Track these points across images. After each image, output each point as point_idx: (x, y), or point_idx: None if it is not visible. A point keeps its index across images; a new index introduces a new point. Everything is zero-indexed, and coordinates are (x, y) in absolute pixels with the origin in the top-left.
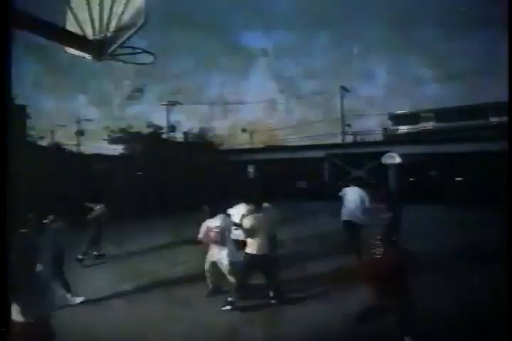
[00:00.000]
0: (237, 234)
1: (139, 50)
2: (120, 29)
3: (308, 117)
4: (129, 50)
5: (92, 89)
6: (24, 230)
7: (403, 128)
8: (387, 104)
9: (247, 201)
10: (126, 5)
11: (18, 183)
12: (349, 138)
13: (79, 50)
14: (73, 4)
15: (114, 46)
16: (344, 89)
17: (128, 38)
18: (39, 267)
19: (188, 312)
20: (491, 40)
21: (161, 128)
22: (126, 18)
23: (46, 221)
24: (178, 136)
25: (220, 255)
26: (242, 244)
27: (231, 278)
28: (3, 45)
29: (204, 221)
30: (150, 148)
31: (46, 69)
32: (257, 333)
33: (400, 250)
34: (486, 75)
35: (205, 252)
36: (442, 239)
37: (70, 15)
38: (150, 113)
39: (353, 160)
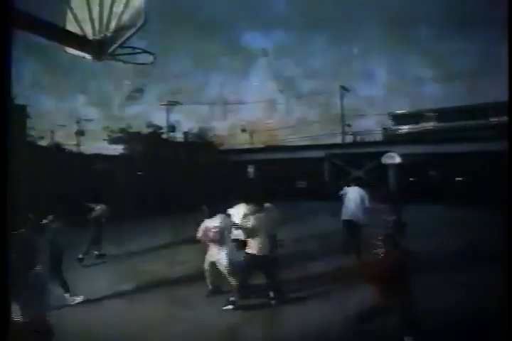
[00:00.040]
0: (237, 233)
1: (139, 50)
2: (120, 29)
3: (308, 117)
4: (129, 50)
5: (92, 89)
6: (23, 230)
7: (404, 128)
8: (387, 104)
9: (247, 201)
10: (126, 5)
11: (18, 183)
12: (349, 138)
13: (79, 50)
14: (73, 4)
15: (114, 46)
16: (344, 88)
17: (128, 38)
18: (37, 267)
19: (187, 312)
20: (491, 40)
21: (160, 128)
22: (126, 18)
23: (45, 221)
24: (178, 136)
25: (219, 255)
26: (243, 244)
27: (230, 279)
28: (3, 45)
29: (203, 221)
30: (150, 148)
31: (46, 69)
32: (257, 333)
33: (402, 251)
34: (486, 75)
35: (205, 252)
36: (442, 239)
37: (70, 15)
38: (150, 113)
39: (353, 160)
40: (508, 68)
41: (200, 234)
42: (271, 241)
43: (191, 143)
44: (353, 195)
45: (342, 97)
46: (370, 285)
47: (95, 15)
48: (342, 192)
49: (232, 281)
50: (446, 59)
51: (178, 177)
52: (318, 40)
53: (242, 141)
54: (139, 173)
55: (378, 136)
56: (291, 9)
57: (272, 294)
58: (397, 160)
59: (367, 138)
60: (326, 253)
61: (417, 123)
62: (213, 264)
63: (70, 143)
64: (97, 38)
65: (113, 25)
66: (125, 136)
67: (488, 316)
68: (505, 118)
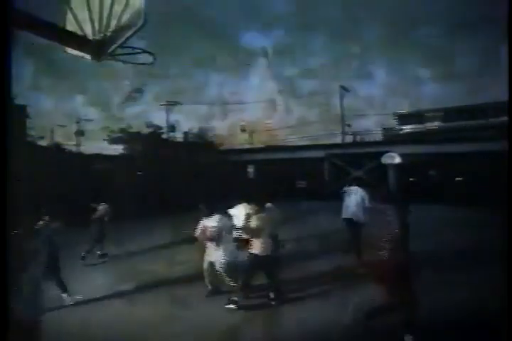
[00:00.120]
0: (239, 232)
1: (139, 50)
2: (120, 29)
3: (308, 117)
4: (129, 50)
5: (92, 89)
6: (19, 230)
7: (407, 128)
8: (386, 104)
9: (248, 201)
10: (125, 5)
11: (18, 183)
12: (349, 138)
13: (79, 50)
14: (73, 4)
15: (114, 46)
16: (344, 88)
17: (128, 38)
18: (31, 267)
19: (187, 312)
20: (491, 40)
21: (160, 128)
22: (125, 18)
23: (41, 221)
24: (178, 136)
25: (216, 255)
26: (245, 243)
27: (226, 279)
28: (3, 45)
29: (201, 219)
30: (150, 148)
31: (46, 69)
32: (257, 333)
33: (407, 253)
34: (486, 75)
35: (205, 252)
36: (442, 239)
37: (70, 15)
38: (149, 113)
39: (353, 160)
40: (508, 68)
41: (198, 232)
42: (273, 241)
43: (191, 143)
44: (353, 195)
45: (342, 97)
46: (375, 284)
47: (95, 15)
48: (343, 190)
49: (228, 281)
50: (446, 59)
51: (178, 177)
52: (318, 40)
53: (242, 140)
54: (139, 173)
55: (378, 136)
56: (291, 9)
57: (272, 294)
58: (397, 160)
59: (367, 138)
60: (326, 253)
61: (421, 123)
62: (212, 264)
63: (69, 143)
64: (97, 38)
65: (113, 25)
66: (125, 136)
67: (488, 316)
68: (505, 119)
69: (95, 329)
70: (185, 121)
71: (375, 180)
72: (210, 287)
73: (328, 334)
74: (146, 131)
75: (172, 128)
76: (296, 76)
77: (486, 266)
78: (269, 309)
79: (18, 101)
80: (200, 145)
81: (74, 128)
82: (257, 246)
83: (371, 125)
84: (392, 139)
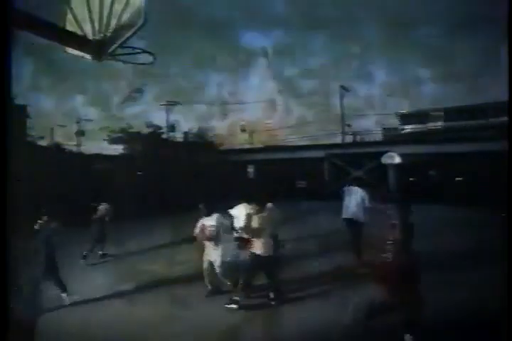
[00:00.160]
0: (240, 232)
1: (139, 50)
2: (120, 29)
3: (308, 117)
4: (129, 50)
5: (92, 89)
6: (18, 231)
7: (409, 128)
8: (386, 104)
9: (249, 201)
10: (126, 5)
11: (18, 183)
12: (349, 138)
13: (79, 50)
14: (73, 4)
15: (114, 46)
16: (344, 88)
17: (128, 38)
18: (31, 267)
19: (187, 312)
20: (491, 40)
21: (160, 128)
22: (126, 17)
23: (40, 221)
24: (178, 136)
25: (214, 254)
26: (245, 243)
27: (222, 278)
28: (3, 45)
29: (200, 219)
30: (150, 148)
31: (46, 69)
32: (257, 333)
33: (411, 255)
34: (486, 75)
35: (204, 252)
36: (442, 239)
37: (69, 15)
38: (149, 113)
39: (353, 160)
40: (508, 68)
41: (197, 231)
42: (274, 241)
43: (191, 143)
44: (353, 195)
45: (342, 97)
46: (378, 285)
47: (95, 15)
48: (342, 190)
49: (225, 281)
50: (446, 59)
51: (178, 177)
52: (317, 40)
53: (241, 140)
54: (139, 173)
55: (378, 136)
56: (291, 9)
57: (272, 294)
58: (397, 160)
59: (367, 138)
60: (326, 253)
61: (423, 122)
62: (211, 264)
63: (70, 143)
64: (97, 37)
65: (113, 24)
66: (125, 136)
67: (488, 316)
68: (505, 119)
69: (95, 329)
70: (185, 121)
71: (375, 180)
72: (210, 287)
73: (328, 334)
74: (146, 131)
75: (172, 128)
76: (296, 76)
77: (486, 266)
78: (269, 309)
79: (18, 101)
80: (200, 145)
81: (74, 128)
82: (258, 246)
83: (371, 125)
84: (395, 139)
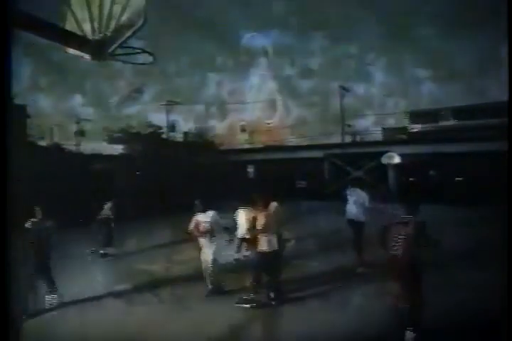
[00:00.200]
0: (242, 232)
1: (139, 50)
2: (120, 29)
3: (308, 117)
4: (129, 50)
5: (92, 89)
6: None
7: (418, 127)
8: (385, 104)
9: (251, 201)
10: (125, 5)
11: (18, 183)
12: (349, 138)
13: (79, 50)
14: (73, 4)
15: (114, 46)
16: (344, 88)
17: (128, 38)
18: (25, 266)
19: (187, 312)
20: (491, 40)
21: (160, 128)
22: (125, 18)
23: (33, 220)
24: (178, 136)
25: (208, 253)
26: (250, 242)
27: (212, 277)
28: (3, 45)
29: (195, 215)
30: (150, 148)
31: (46, 69)
32: (257, 333)
33: (417, 252)
34: (486, 75)
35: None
36: (442, 239)
37: (69, 15)
38: (149, 113)
39: (353, 160)
40: (508, 68)
41: (191, 226)
42: (278, 239)
43: (191, 143)
44: (355, 197)
45: (342, 97)
46: (389, 280)
47: (95, 15)
48: (346, 192)
49: (214, 280)
50: (446, 59)
51: (178, 177)
52: (317, 40)
53: (241, 140)
54: (139, 173)
55: (378, 136)
56: (291, 10)
57: (272, 294)
58: (397, 160)
59: (367, 138)
60: (326, 253)
61: (436, 121)
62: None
63: (69, 143)
64: (97, 37)
65: (113, 24)
66: (125, 136)
67: (488, 316)
68: (505, 119)
69: (93, 329)
70: (185, 121)
71: (375, 180)
72: (210, 286)
73: (328, 334)
74: (146, 131)
75: (172, 128)
76: (295, 76)
77: (486, 266)
78: (269, 309)
79: (18, 101)
80: (200, 145)
81: (74, 128)
82: (263, 243)
83: (370, 125)
84: (392, 139)
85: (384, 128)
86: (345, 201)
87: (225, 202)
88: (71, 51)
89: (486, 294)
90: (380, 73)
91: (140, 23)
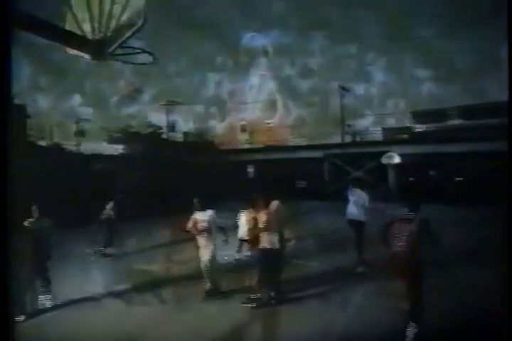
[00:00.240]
0: (243, 234)
1: (139, 50)
2: (120, 29)
3: (308, 117)
4: (129, 50)
5: (91, 89)
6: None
7: (423, 127)
8: (385, 104)
9: (253, 200)
10: (125, 5)
11: (18, 183)
12: (348, 138)
13: (78, 50)
14: (73, 4)
15: (114, 46)
16: (344, 88)
17: (127, 38)
18: (22, 266)
19: (186, 312)
20: (491, 40)
21: (160, 128)
22: (125, 17)
23: (31, 219)
24: (178, 136)
25: (205, 253)
26: (252, 241)
27: (209, 277)
28: (3, 45)
29: (194, 213)
30: (150, 148)
31: (45, 69)
32: (257, 333)
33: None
34: (486, 75)
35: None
36: (442, 239)
37: (69, 15)
38: (149, 113)
39: (353, 160)
40: (508, 68)
41: (189, 225)
42: (280, 237)
43: (191, 143)
44: (356, 197)
45: (342, 97)
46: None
47: (95, 15)
48: (347, 192)
49: (211, 280)
50: (446, 59)
51: (178, 177)
52: (317, 40)
53: (242, 140)
54: (139, 173)
55: (378, 136)
56: (291, 10)
57: (272, 293)
58: (397, 160)
59: (367, 138)
60: (326, 253)
61: (440, 121)
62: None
63: (69, 143)
64: (97, 37)
65: (113, 24)
66: (125, 136)
67: (488, 315)
68: (505, 119)
69: (92, 329)
70: (185, 121)
71: (375, 180)
72: (209, 286)
73: (328, 334)
74: (146, 131)
75: (172, 128)
76: (295, 76)
77: (486, 266)
78: (269, 309)
79: (18, 101)
80: (200, 145)
81: (74, 128)
82: (265, 241)
83: (370, 125)
84: (392, 139)
85: (384, 128)
86: (345, 201)
87: (225, 202)
88: (71, 51)
89: (486, 294)
90: (380, 73)
91: (140, 23)
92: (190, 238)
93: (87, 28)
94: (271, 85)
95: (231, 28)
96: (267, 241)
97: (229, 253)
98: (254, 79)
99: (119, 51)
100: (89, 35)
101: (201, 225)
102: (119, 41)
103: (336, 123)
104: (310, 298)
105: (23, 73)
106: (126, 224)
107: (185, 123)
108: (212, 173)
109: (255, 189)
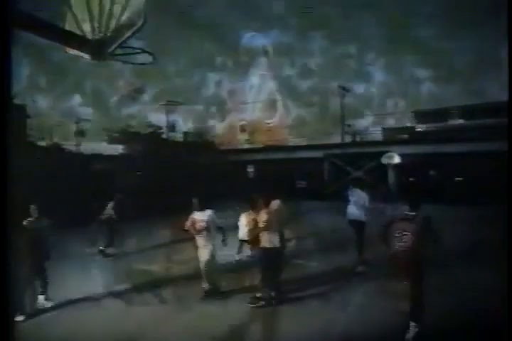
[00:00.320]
0: (243, 235)
1: (139, 50)
2: (120, 29)
3: (308, 117)
4: (129, 50)
5: (91, 89)
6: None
7: (424, 126)
8: (385, 104)
9: (255, 199)
10: (125, 5)
11: (18, 183)
12: (348, 138)
13: (78, 50)
14: (73, 4)
15: (114, 46)
16: (344, 88)
17: (127, 38)
18: (20, 266)
19: (186, 311)
20: (491, 40)
21: (160, 128)
22: (125, 17)
23: (30, 219)
24: (178, 136)
25: (203, 253)
26: (252, 241)
27: (207, 277)
28: (3, 45)
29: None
30: (150, 148)
31: (45, 69)
32: (257, 333)
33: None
34: (486, 75)
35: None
36: (443, 238)
37: (69, 15)
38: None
39: (353, 160)
40: (508, 68)
41: (187, 224)
42: (280, 237)
43: (191, 143)
44: (355, 198)
45: (342, 97)
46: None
47: (95, 15)
48: (347, 192)
49: (209, 280)
50: (446, 59)
51: (178, 177)
52: (317, 40)
53: (242, 141)
54: (139, 173)
55: (378, 136)
56: (291, 10)
57: (272, 293)
58: (397, 160)
59: (367, 138)
60: (326, 253)
61: (442, 121)
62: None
63: (69, 143)
64: (97, 37)
65: (113, 24)
66: (125, 136)
67: (488, 315)
68: (504, 119)
69: (91, 329)
70: (184, 121)
71: (375, 180)
72: (208, 286)
73: (328, 334)
74: (146, 131)
75: (172, 128)
76: (295, 76)
77: (486, 266)
78: (269, 308)
79: (18, 101)
80: (200, 145)
81: (73, 128)
82: (265, 240)
83: (371, 125)
84: (392, 139)
85: (384, 128)
86: (345, 201)
87: (224, 202)
88: (71, 51)
89: (486, 294)
90: (380, 73)
91: (140, 23)
92: (190, 238)
93: (87, 28)
94: (271, 85)
95: (231, 28)
96: (268, 240)
97: (229, 254)
98: (254, 79)
99: (119, 51)
100: (89, 35)
101: (199, 225)
102: (119, 41)
103: (335, 123)
104: (310, 298)
105: (23, 73)
106: (126, 224)
107: (185, 123)
108: (212, 173)
109: (255, 189)
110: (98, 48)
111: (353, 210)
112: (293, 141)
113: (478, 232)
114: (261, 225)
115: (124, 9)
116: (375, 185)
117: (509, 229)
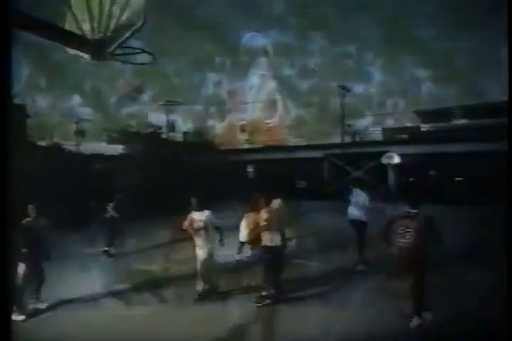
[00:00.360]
0: (243, 236)
1: (138, 50)
2: (119, 29)
3: (308, 117)
4: (128, 50)
5: (91, 89)
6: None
7: (427, 126)
8: (385, 104)
9: (250, 204)
10: (125, 5)
11: (18, 183)
12: (348, 138)
13: (78, 50)
14: (73, 4)
15: (114, 46)
16: (344, 88)
17: (127, 38)
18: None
19: (185, 311)
20: (491, 40)
21: (160, 128)
22: (125, 18)
23: (28, 219)
24: (178, 136)
25: (201, 253)
26: (253, 241)
27: (202, 278)
28: (3, 45)
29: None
30: (150, 148)
31: (45, 69)
32: (257, 333)
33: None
34: (486, 75)
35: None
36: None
37: (69, 15)
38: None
39: (353, 160)
40: (508, 68)
41: (185, 224)
42: (281, 236)
43: (191, 143)
44: (356, 198)
45: (342, 97)
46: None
47: (95, 15)
48: (347, 192)
49: (206, 280)
50: (446, 59)
51: (178, 177)
52: (317, 40)
53: (241, 141)
54: (139, 173)
55: (378, 136)
56: (291, 9)
57: (272, 292)
58: (397, 160)
59: (367, 138)
60: (326, 253)
61: (445, 121)
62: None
63: (69, 143)
64: (97, 37)
65: (112, 24)
66: (125, 136)
67: (488, 315)
68: (504, 119)
69: (93, 329)
70: (184, 121)
71: (375, 180)
72: (204, 287)
73: (328, 334)
74: (145, 130)
75: (172, 128)
76: (295, 76)
77: (486, 266)
78: (268, 308)
79: (18, 101)
80: (200, 145)
81: (73, 128)
82: (266, 239)
83: (370, 125)
84: (392, 139)
85: (384, 128)
86: (346, 201)
87: (224, 202)
88: (71, 51)
89: (486, 294)
90: (380, 73)
91: (140, 23)
92: (190, 238)
93: (86, 28)
94: (271, 85)
95: (231, 28)
96: (269, 239)
97: (229, 254)
98: (254, 79)
99: (119, 51)
100: (89, 35)
101: (197, 224)
102: (119, 41)
103: (335, 123)
104: (310, 298)
105: (23, 73)
106: (126, 224)
107: (184, 123)
108: (212, 173)
109: (255, 189)
110: (98, 48)
111: (353, 210)
112: (293, 141)
113: (478, 232)
114: (262, 224)
115: (123, 9)
116: (375, 185)
117: (509, 229)
